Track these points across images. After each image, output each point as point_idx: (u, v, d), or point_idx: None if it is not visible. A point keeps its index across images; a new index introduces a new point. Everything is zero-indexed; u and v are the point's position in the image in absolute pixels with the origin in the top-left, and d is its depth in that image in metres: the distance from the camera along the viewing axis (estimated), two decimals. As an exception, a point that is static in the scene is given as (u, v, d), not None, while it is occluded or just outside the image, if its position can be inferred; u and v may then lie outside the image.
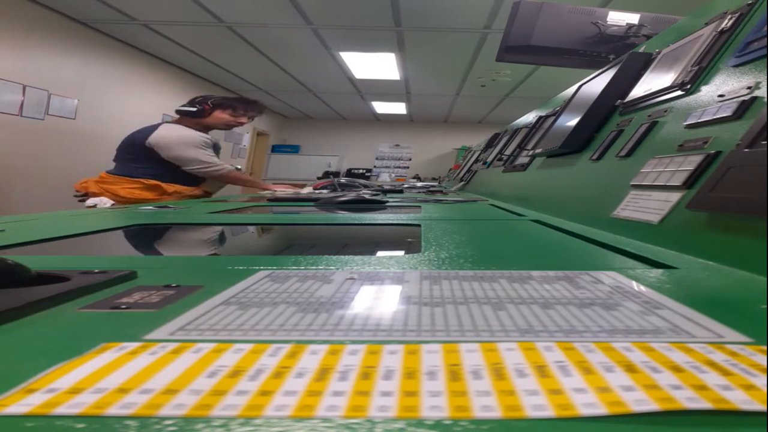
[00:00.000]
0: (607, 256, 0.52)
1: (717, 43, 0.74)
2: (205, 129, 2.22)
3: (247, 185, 2.50)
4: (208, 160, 2.15)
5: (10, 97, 3.72)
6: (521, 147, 1.84)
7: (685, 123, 0.66)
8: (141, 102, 5.33)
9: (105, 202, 1.70)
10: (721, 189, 0.48)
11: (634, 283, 0.36)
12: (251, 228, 0.98)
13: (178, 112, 2.20)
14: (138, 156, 2.03)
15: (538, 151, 1.35)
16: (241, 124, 2.35)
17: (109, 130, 4.77)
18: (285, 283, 0.37)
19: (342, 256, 0.49)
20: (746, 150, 0.48)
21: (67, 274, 0.36)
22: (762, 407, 0.16)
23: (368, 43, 4.76)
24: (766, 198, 0.40)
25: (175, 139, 2.09)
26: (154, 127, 2.11)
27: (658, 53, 0.97)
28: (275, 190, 2.27)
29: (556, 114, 1.50)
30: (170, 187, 2.05)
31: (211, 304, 0.30)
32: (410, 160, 9.26)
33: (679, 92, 0.76)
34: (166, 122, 2.25)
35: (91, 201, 1.69)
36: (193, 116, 2.18)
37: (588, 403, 0.17)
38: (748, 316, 0.29)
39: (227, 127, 2.33)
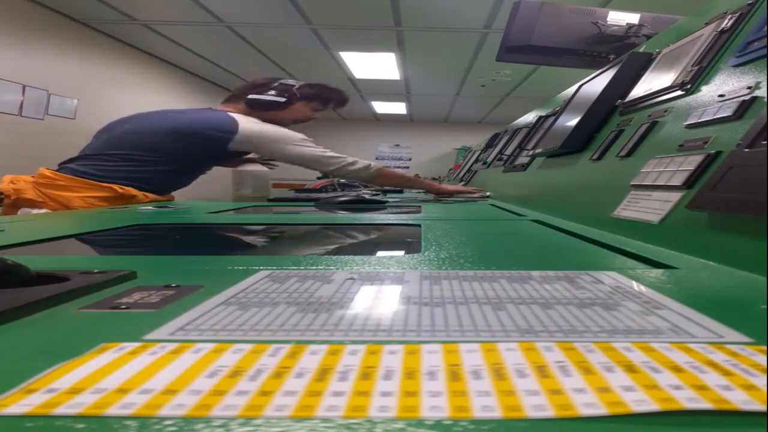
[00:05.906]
0: (607, 256, 0.52)
1: (717, 43, 0.74)
2: (270, 123, 1.63)
3: (408, 184, 1.88)
4: (336, 154, 1.58)
5: (9, 97, 3.72)
6: (521, 147, 1.84)
7: (685, 123, 0.66)
8: (141, 102, 5.32)
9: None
10: (721, 189, 0.48)
11: (634, 283, 0.36)
12: (251, 228, 0.98)
13: (253, 101, 1.63)
14: (143, 152, 1.46)
15: (538, 151, 1.35)
16: (309, 120, 1.79)
17: (109, 130, 4.77)
18: (285, 283, 0.37)
19: (342, 256, 0.49)
20: (746, 150, 0.48)
21: (66, 274, 0.36)
22: (762, 407, 0.16)
23: (368, 43, 4.76)
24: (766, 198, 0.40)
25: (276, 134, 1.55)
26: (206, 116, 1.54)
27: (658, 53, 0.97)
28: (448, 188, 1.76)
29: (556, 114, 1.50)
30: (146, 197, 1.49)
31: (211, 304, 0.30)
32: (410, 159, 9.27)
33: (679, 92, 0.76)
34: (210, 108, 1.66)
35: (24, 211, 1.24)
36: (273, 108, 1.63)
37: (588, 404, 0.17)
38: (748, 316, 0.29)
39: (296, 122, 1.75)
